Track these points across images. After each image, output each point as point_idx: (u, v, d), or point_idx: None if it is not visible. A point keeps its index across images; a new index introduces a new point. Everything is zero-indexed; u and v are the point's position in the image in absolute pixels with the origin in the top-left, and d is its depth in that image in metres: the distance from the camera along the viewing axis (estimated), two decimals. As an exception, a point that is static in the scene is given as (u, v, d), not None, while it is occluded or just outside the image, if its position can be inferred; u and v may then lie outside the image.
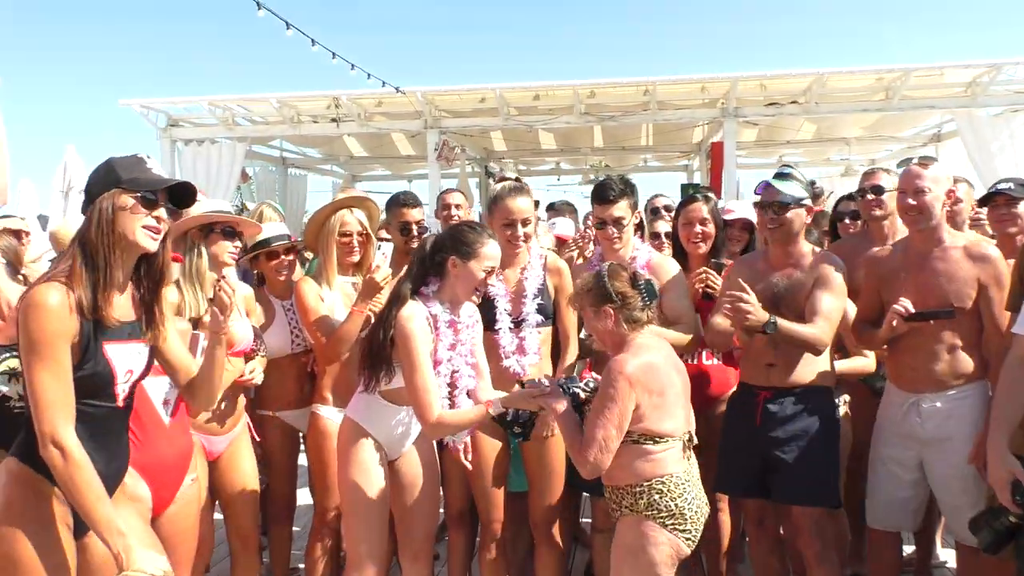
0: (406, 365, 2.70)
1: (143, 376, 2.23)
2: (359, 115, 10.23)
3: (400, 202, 4.03)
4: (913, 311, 2.93)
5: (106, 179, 2.07)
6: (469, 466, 3.07)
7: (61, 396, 1.95)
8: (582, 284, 2.69)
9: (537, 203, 4.45)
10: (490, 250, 2.79)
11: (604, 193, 3.26)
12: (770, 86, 9.58)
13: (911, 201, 2.99)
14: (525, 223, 3.18)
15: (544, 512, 3.25)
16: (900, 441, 3.09)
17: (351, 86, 9.40)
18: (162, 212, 2.11)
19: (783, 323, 2.92)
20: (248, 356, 3.20)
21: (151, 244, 2.10)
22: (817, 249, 3.25)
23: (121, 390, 2.13)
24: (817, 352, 3.01)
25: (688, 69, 12.05)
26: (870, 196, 3.61)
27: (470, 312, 2.95)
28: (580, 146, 12.87)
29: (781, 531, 3.43)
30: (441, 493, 3.26)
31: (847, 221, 4.14)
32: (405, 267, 2.99)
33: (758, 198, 3.15)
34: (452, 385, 2.86)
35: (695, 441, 2.66)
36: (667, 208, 4.67)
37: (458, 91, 9.96)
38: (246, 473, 3.23)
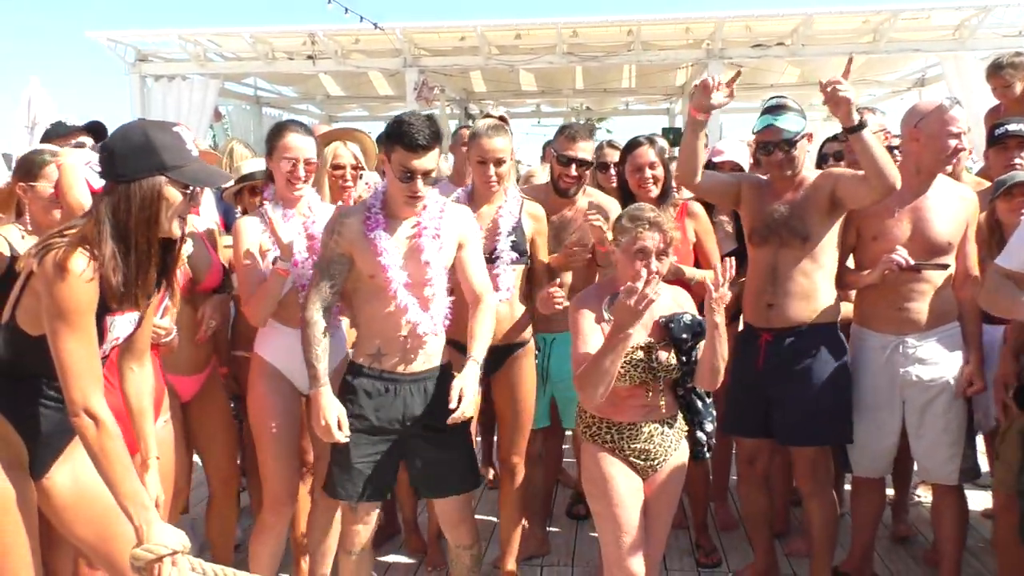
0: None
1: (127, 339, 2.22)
2: (336, 52, 9.95)
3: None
4: (912, 262, 2.86)
5: (147, 159, 1.93)
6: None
7: (92, 365, 1.92)
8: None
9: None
10: (291, 141, 2.84)
11: (411, 140, 2.47)
12: (756, 27, 9.42)
13: (962, 143, 2.96)
14: (499, 163, 3.05)
15: (512, 446, 3.25)
16: (884, 385, 3.03)
17: (328, 21, 9.14)
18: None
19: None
20: (217, 290, 3.09)
21: (179, 232, 2.06)
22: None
23: (105, 350, 2.10)
24: (891, 179, 2.74)
25: (673, 8, 11.78)
26: None
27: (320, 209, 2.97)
28: (561, 87, 12.64)
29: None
30: None
31: (831, 162, 4.08)
32: None
33: (751, 138, 3.08)
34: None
35: None
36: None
37: (438, 28, 9.71)
38: (220, 414, 3.18)
